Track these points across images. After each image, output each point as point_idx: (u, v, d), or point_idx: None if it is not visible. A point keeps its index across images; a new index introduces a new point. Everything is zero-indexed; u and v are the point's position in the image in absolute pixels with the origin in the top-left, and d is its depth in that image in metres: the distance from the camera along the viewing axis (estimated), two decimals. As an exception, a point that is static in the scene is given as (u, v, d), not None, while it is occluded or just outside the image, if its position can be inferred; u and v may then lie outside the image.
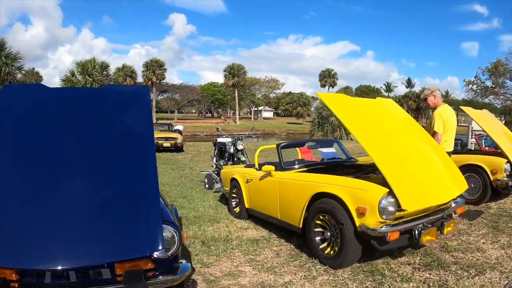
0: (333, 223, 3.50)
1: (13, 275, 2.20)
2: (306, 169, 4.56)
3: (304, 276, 3.40)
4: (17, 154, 2.60)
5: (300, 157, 6.23)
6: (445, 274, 3.29)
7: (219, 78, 67.72)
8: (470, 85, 28.33)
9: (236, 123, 57.71)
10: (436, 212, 3.62)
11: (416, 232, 3.35)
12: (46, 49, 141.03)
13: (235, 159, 8.69)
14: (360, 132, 3.63)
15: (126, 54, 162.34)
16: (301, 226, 3.94)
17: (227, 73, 55.50)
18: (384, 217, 3.11)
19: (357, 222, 3.24)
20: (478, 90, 28.25)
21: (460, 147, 8.60)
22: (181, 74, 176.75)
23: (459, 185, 3.89)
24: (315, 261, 3.67)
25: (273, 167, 4.62)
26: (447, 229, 3.60)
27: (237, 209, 5.71)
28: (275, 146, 5.27)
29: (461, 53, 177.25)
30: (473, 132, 11.00)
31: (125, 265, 2.30)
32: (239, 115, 65.51)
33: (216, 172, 8.32)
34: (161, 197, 3.17)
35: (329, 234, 3.59)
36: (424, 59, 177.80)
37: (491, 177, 5.73)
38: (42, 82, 53.89)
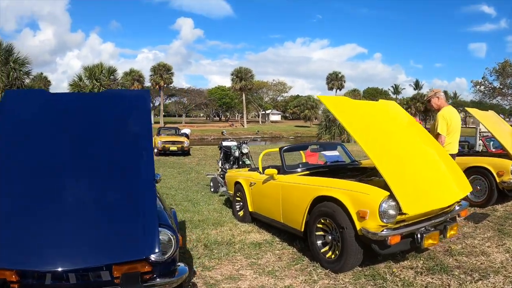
0: (334, 226, 3.48)
1: (13, 276, 2.24)
2: (308, 172, 4.55)
3: (305, 280, 3.39)
4: (17, 157, 2.64)
5: (304, 160, 6.22)
6: (447, 279, 3.25)
7: (227, 82, 68.04)
8: (478, 86, 28.08)
9: (243, 126, 57.77)
10: (438, 215, 3.58)
11: (418, 235, 3.31)
12: (55, 54, 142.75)
13: (240, 162, 8.71)
14: (361, 135, 3.61)
15: (134, 58, 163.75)
16: (303, 229, 3.93)
17: (235, 77, 55.72)
18: (384, 220, 3.09)
19: (358, 225, 3.21)
20: (485, 91, 27.98)
21: (467, 149, 8.49)
22: (188, 78, 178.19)
23: (462, 187, 3.85)
24: (317, 265, 3.65)
25: (275, 171, 4.63)
26: (450, 232, 3.56)
27: (241, 213, 5.71)
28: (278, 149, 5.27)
29: (469, 54, 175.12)
30: (481, 133, 10.86)
31: (123, 268, 2.32)
32: (247, 118, 65.62)
33: (221, 175, 8.34)
34: (159, 201, 3.20)
35: (330, 237, 3.57)
36: (432, 60, 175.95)
37: (497, 179, 5.65)
38: (51, 87, 54.82)
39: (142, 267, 2.39)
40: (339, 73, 64.06)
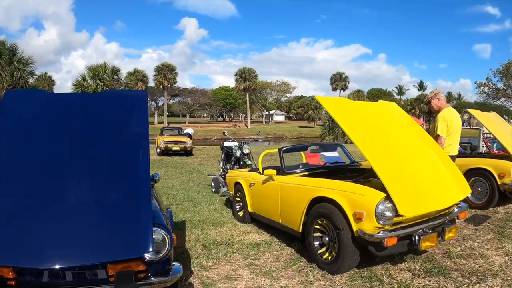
0: (331, 227, 3.47)
1: (10, 273, 2.28)
2: (307, 173, 4.54)
3: (301, 281, 3.38)
4: (15, 156, 2.68)
5: (304, 161, 6.22)
6: (445, 281, 3.23)
7: (231, 82, 68.01)
8: (481, 87, 27.94)
9: (247, 127, 57.79)
10: (437, 217, 3.56)
11: (416, 237, 3.29)
12: (59, 54, 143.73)
13: (241, 163, 8.72)
14: (358, 135, 3.60)
15: (138, 58, 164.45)
16: (300, 230, 3.93)
17: (238, 77, 55.75)
18: (381, 222, 3.07)
19: (354, 227, 3.20)
20: (489, 93, 27.83)
21: (470, 150, 8.44)
22: (193, 78, 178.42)
23: (461, 189, 3.82)
24: (314, 266, 3.65)
25: (274, 171, 4.63)
26: (448, 234, 3.53)
27: (240, 213, 5.72)
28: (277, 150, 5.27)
29: (473, 55, 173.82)
30: (484, 135, 10.78)
31: (117, 266, 2.35)
32: (251, 119, 65.62)
33: (223, 176, 8.36)
34: (156, 200, 3.21)
35: (327, 239, 3.56)
36: (436, 61, 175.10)
37: (499, 181, 5.61)
38: (55, 87, 55.19)
39: (137, 266, 2.41)
40: (343, 73, 63.92)
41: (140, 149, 2.73)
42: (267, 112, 77.56)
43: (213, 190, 8.31)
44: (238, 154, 8.80)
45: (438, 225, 3.52)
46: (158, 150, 16.94)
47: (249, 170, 6.47)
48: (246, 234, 4.96)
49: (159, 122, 56.07)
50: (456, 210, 3.84)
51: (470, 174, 5.92)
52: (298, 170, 4.62)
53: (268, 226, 5.03)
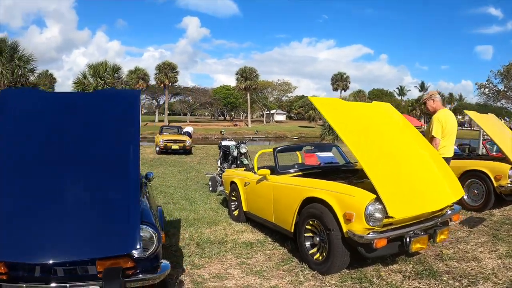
0: (322, 228, 3.47)
1: (2, 268, 2.32)
2: (301, 173, 4.54)
3: (291, 281, 3.38)
4: (8, 154, 2.71)
5: (300, 161, 6.20)
6: (435, 284, 3.22)
7: (232, 81, 67.85)
8: (482, 89, 27.90)
9: (248, 126, 57.76)
10: (429, 219, 3.54)
11: (407, 239, 3.27)
12: (61, 51, 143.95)
13: (239, 162, 8.72)
14: (349, 136, 3.58)
15: (140, 56, 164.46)
16: (293, 230, 3.93)
17: (239, 76, 55.68)
18: (371, 223, 3.07)
19: (344, 228, 3.20)
20: (490, 94, 27.79)
21: (468, 152, 8.41)
22: (194, 76, 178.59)
23: (455, 191, 3.81)
24: (305, 266, 3.64)
25: (268, 171, 4.63)
26: (440, 237, 3.52)
27: (236, 212, 5.72)
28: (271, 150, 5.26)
29: (475, 56, 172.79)
30: (484, 136, 10.75)
31: (106, 263, 2.39)
32: (252, 118, 65.60)
33: (220, 175, 8.36)
34: (146, 199, 3.23)
35: (318, 239, 3.56)
36: (438, 62, 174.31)
37: (495, 183, 5.58)
38: (56, 84, 55.38)
39: (125, 262, 2.44)
40: (344, 73, 63.74)
41: (129, 148, 2.74)
42: (268, 112, 77.52)
43: (210, 189, 8.33)
44: (235, 153, 8.80)
45: (430, 227, 3.51)
46: (158, 148, 16.96)
47: (245, 170, 6.47)
48: (240, 233, 4.96)
49: (160, 121, 56.10)
50: (449, 212, 3.83)
51: (466, 176, 5.91)
52: (292, 170, 4.62)
53: (263, 226, 5.03)
